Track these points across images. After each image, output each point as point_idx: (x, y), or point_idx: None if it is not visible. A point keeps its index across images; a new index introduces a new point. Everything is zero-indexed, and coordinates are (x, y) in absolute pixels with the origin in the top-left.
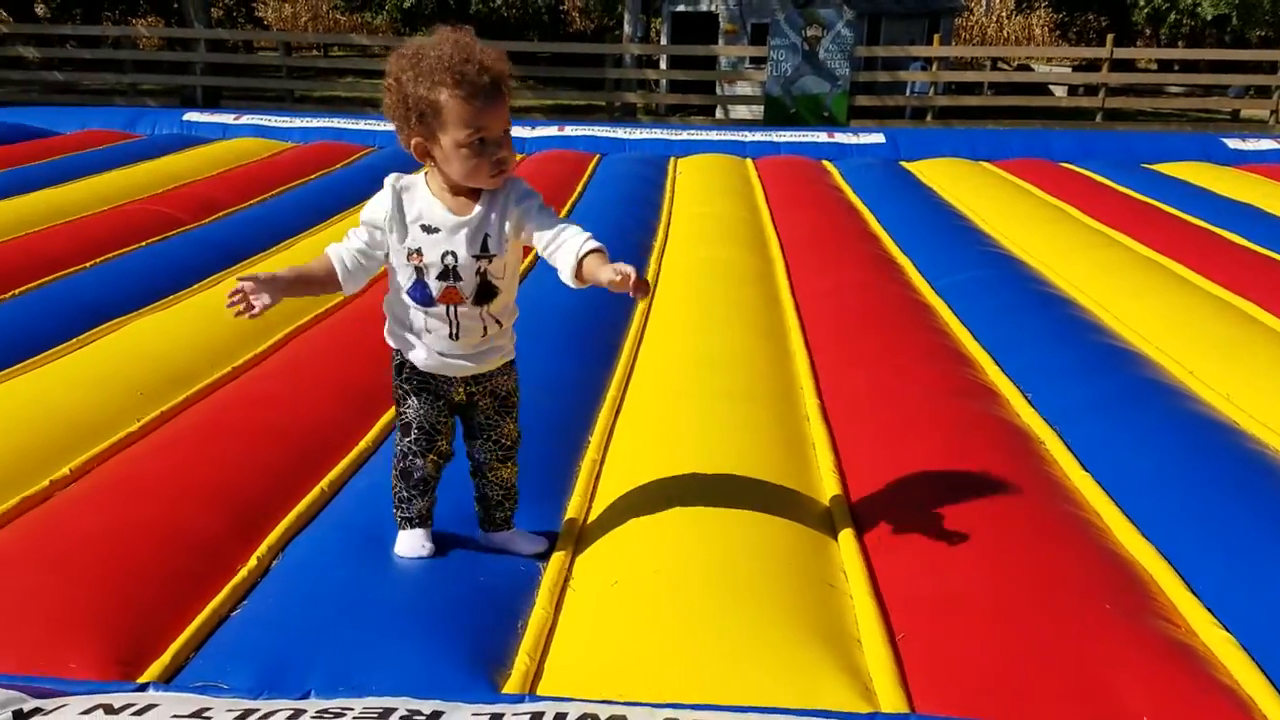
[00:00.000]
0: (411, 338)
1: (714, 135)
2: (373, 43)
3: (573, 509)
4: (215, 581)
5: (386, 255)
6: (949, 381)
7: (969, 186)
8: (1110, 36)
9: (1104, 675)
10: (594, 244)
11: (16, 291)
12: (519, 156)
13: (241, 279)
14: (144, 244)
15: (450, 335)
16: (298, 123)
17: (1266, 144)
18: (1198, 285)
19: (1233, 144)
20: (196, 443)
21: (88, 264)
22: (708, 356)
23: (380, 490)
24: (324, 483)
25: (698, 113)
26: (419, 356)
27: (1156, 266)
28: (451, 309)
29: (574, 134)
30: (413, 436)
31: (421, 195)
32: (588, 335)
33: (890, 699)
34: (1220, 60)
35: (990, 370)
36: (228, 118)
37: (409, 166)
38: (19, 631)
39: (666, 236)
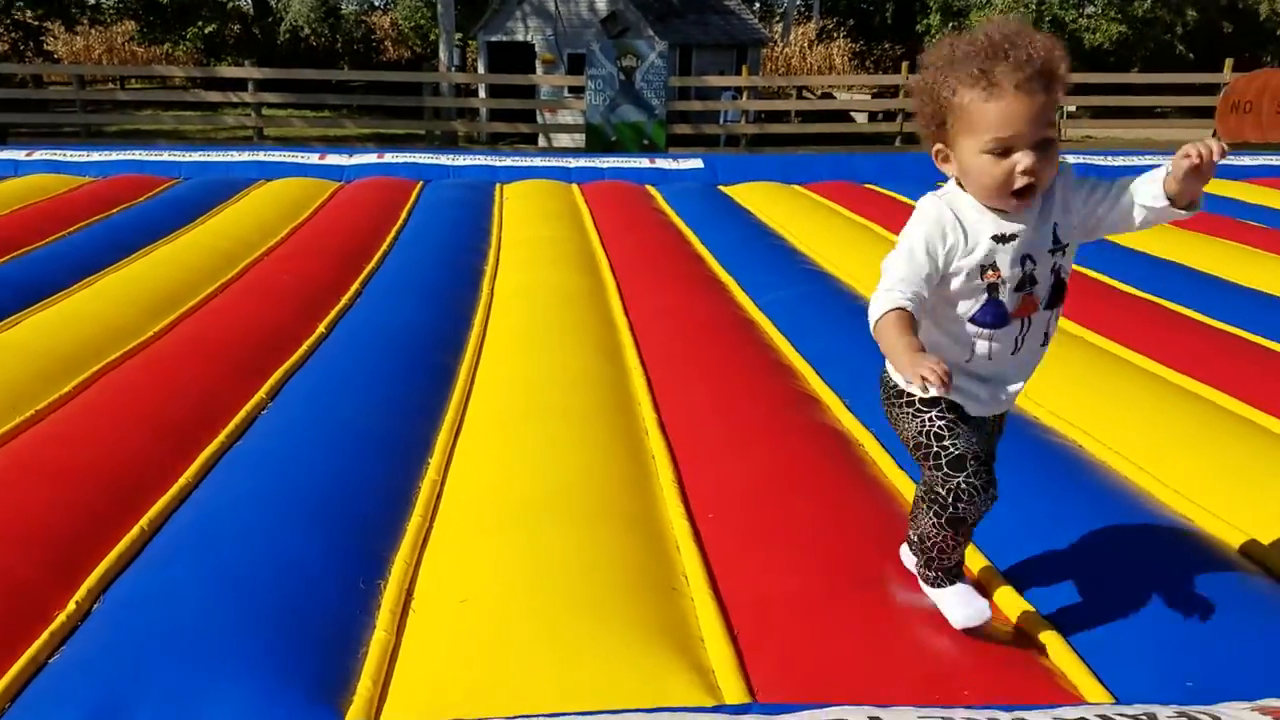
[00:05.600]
0: (961, 378)
1: (538, 161)
2: (173, 73)
3: (413, 529)
4: (32, 629)
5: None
6: (777, 391)
7: (783, 208)
8: (905, 64)
9: (926, 654)
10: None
11: None
12: (337, 184)
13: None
14: None
15: (1013, 351)
16: (95, 156)
17: None
18: None
19: None
20: (5, 485)
21: None
22: (545, 375)
23: (209, 521)
24: (144, 521)
25: (521, 141)
26: (971, 399)
27: None
28: (1025, 322)
29: (395, 161)
30: (970, 470)
31: (968, 204)
32: (422, 356)
33: (733, 691)
34: None
35: (813, 379)
36: (19, 154)
37: (220, 196)
38: None
39: (498, 261)
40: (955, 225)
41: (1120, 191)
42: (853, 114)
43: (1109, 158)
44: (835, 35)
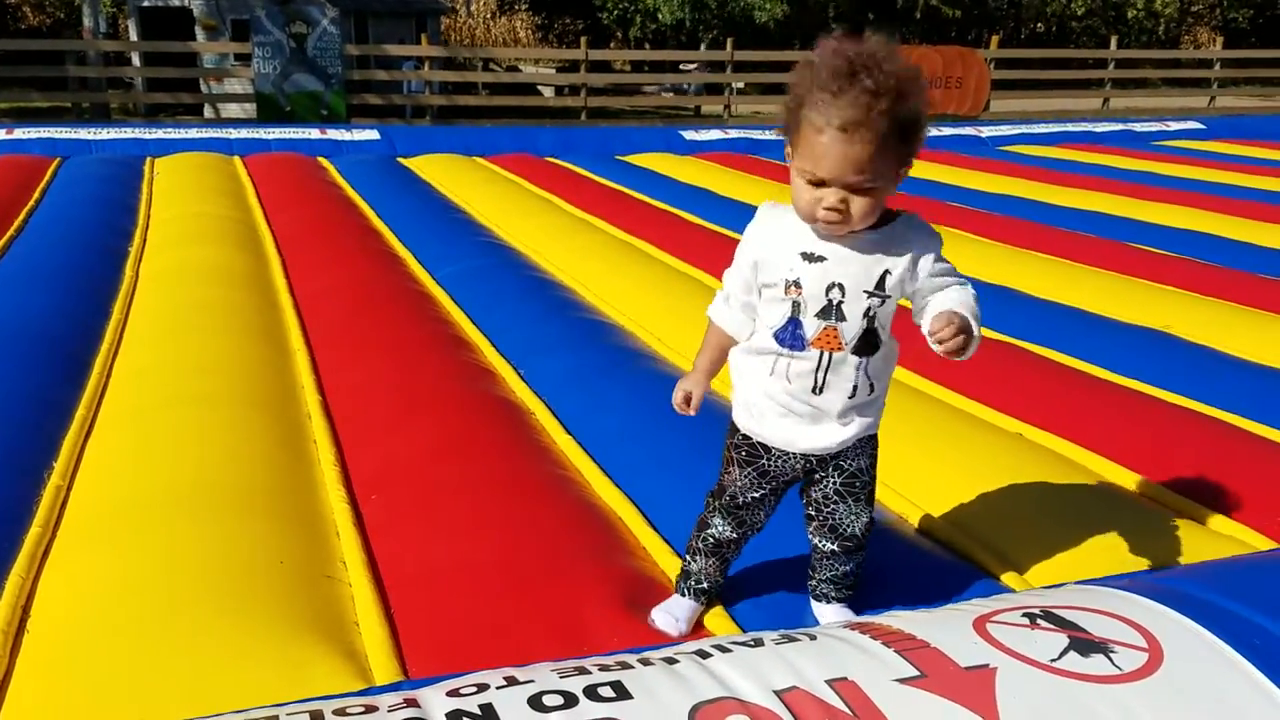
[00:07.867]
0: (755, 398)
1: (195, 133)
2: None
3: (30, 542)
4: None
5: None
6: (449, 367)
7: (465, 181)
8: (585, 39)
9: (579, 611)
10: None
11: None
12: None
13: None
14: None
15: (814, 390)
16: None
17: (714, 134)
18: (659, 260)
19: (689, 135)
20: None
21: None
22: (190, 362)
23: None
24: None
25: (186, 112)
26: (768, 424)
27: (627, 246)
28: (825, 358)
29: (26, 137)
30: (720, 502)
31: (793, 214)
32: (49, 350)
33: (386, 673)
34: (682, 60)
35: (488, 352)
36: None
37: None
38: None
39: (145, 241)
40: (768, 237)
41: (927, 301)
42: (540, 88)
43: (770, 132)
44: (517, 7)
